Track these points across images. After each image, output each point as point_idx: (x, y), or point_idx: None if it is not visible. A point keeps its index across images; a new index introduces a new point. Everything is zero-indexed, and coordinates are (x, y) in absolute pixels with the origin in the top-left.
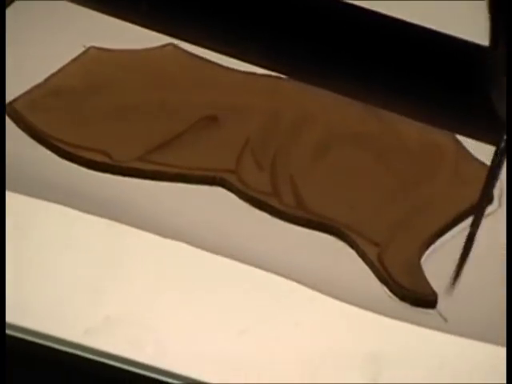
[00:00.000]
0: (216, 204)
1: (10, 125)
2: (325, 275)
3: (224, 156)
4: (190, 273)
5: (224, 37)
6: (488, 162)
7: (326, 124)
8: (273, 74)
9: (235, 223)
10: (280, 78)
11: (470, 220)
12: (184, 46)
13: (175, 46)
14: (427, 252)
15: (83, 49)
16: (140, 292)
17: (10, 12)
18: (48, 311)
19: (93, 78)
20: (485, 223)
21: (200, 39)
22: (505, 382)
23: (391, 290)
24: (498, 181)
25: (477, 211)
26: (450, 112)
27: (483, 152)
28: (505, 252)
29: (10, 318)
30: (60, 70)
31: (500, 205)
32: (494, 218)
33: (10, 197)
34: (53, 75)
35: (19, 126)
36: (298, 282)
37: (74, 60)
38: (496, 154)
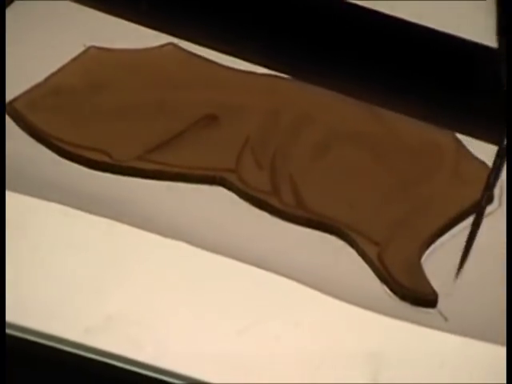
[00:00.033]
0: (216, 203)
1: (9, 124)
2: (325, 274)
3: (224, 155)
4: (190, 272)
5: (224, 35)
6: (488, 162)
7: (325, 123)
8: (273, 73)
9: (235, 222)
10: (280, 77)
11: (470, 219)
12: (184, 46)
13: (175, 46)
14: (427, 251)
15: (83, 48)
16: (140, 291)
17: (9, 12)
18: (48, 310)
19: (93, 77)
20: (485, 222)
21: (200, 38)
22: (505, 381)
23: (391, 290)
24: (498, 180)
25: (478, 211)
26: (450, 110)
27: (484, 151)
28: (505, 251)
29: (9, 317)
30: (60, 70)
31: (500, 204)
32: (494, 218)
33: (10, 196)
34: (53, 75)
35: (19, 126)
36: (298, 281)
37: (74, 59)
38: (497, 155)
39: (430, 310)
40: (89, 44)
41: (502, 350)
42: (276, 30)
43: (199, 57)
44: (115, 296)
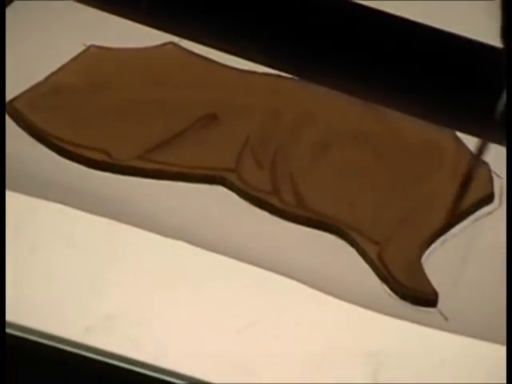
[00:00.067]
0: (216, 203)
1: (9, 123)
2: (325, 274)
3: (224, 155)
4: (190, 271)
5: (226, 34)
6: (489, 161)
7: (326, 122)
8: (274, 72)
9: (235, 222)
10: (280, 76)
11: (470, 219)
12: (184, 45)
13: (175, 45)
14: (428, 251)
15: (83, 47)
16: (140, 291)
17: (9, 11)
18: (48, 310)
19: (93, 76)
20: (485, 222)
21: (201, 37)
22: (505, 380)
23: (391, 289)
24: (499, 179)
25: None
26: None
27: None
28: (505, 251)
29: (9, 316)
30: (60, 69)
31: (500, 204)
32: (494, 217)
33: (10, 196)
34: (53, 74)
35: (19, 125)
36: (298, 280)
37: (74, 59)
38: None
39: (431, 310)
40: (89, 43)
41: (502, 350)
42: (279, 29)
43: (199, 56)
44: (115, 295)
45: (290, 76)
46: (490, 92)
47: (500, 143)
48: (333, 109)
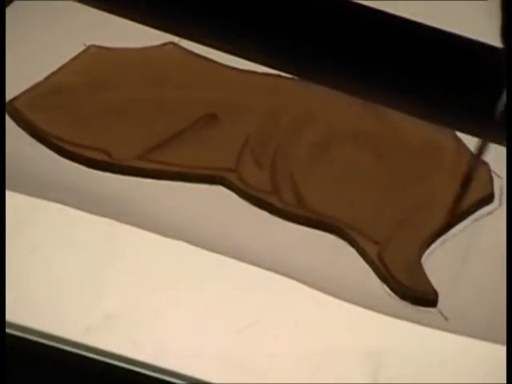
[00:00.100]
0: (216, 202)
1: (9, 123)
2: (325, 273)
3: (224, 154)
4: (190, 271)
5: (224, 33)
6: (489, 161)
7: (326, 122)
8: (273, 72)
9: (235, 222)
10: (280, 76)
11: (470, 219)
12: (184, 45)
13: (175, 45)
14: (428, 251)
15: (83, 47)
16: (140, 290)
17: (9, 11)
18: (48, 310)
19: (93, 76)
20: (485, 222)
21: (200, 36)
22: (505, 380)
23: (391, 289)
24: (499, 179)
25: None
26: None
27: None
28: (505, 251)
29: (10, 316)
30: (60, 69)
31: (500, 203)
32: (494, 217)
33: (10, 196)
34: (53, 74)
35: (19, 125)
36: (298, 280)
37: (74, 58)
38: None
39: (431, 310)
40: (89, 43)
41: (502, 350)
42: (279, 28)
43: (199, 56)
44: (115, 295)
45: (289, 76)
46: (490, 92)
47: (500, 143)
48: (333, 109)
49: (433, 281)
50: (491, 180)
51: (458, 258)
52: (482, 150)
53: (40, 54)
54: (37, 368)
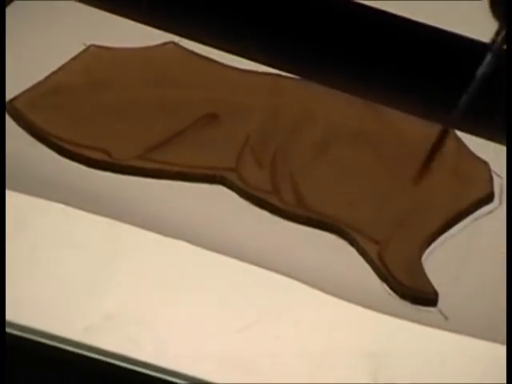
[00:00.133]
0: (216, 202)
1: (9, 123)
2: (325, 273)
3: (224, 154)
4: (190, 271)
5: (224, 33)
6: (489, 161)
7: (326, 122)
8: (274, 71)
9: (235, 221)
10: (280, 75)
11: (471, 218)
12: (185, 44)
13: (176, 44)
14: (428, 250)
15: (83, 47)
16: (140, 290)
17: (9, 11)
18: (48, 309)
19: (93, 76)
20: (485, 221)
21: (200, 36)
22: (505, 380)
23: (391, 288)
24: (499, 178)
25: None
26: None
27: (484, 149)
28: (505, 250)
29: (10, 316)
30: (60, 69)
31: (500, 203)
32: (494, 217)
33: (10, 195)
34: (53, 73)
35: (19, 124)
36: (298, 280)
37: (74, 58)
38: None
39: (431, 309)
40: (89, 43)
41: (502, 349)
42: (279, 28)
43: (200, 55)
44: (115, 294)
45: (290, 75)
46: (490, 92)
47: (500, 143)
48: (333, 108)
49: (433, 280)
50: (491, 179)
51: (458, 257)
52: (444, 133)
53: (40, 53)
54: (37, 368)
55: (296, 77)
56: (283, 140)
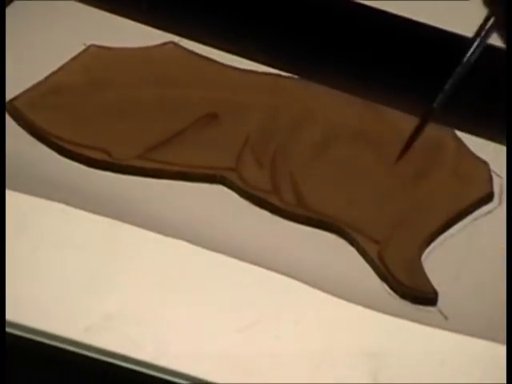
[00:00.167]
0: (216, 202)
1: (9, 122)
2: (325, 273)
3: (224, 154)
4: (190, 271)
5: (224, 33)
6: (489, 161)
7: (326, 121)
8: (273, 71)
9: (235, 221)
10: (280, 75)
11: (471, 218)
12: (185, 44)
13: (175, 44)
14: (427, 249)
15: (83, 47)
16: (141, 290)
17: (9, 11)
18: (49, 309)
19: (93, 76)
20: (485, 221)
21: (200, 36)
22: (505, 379)
23: (391, 288)
24: (498, 178)
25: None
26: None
27: (484, 149)
28: (505, 250)
29: (10, 315)
30: (60, 69)
31: (500, 203)
32: (494, 216)
33: (10, 195)
34: (53, 73)
35: (19, 124)
36: (298, 279)
37: (74, 58)
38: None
39: (430, 309)
40: (89, 43)
41: (502, 349)
42: (279, 28)
43: (200, 55)
44: (115, 294)
45: (290, 75)
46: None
47: (500, 143)
48: (333, 108)
49: (432, 280)
50: (491, 179)
51: (458, 257)
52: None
53: (40, 53)
54: (37, 368)
55: (296, 76)
56: (283, 140)
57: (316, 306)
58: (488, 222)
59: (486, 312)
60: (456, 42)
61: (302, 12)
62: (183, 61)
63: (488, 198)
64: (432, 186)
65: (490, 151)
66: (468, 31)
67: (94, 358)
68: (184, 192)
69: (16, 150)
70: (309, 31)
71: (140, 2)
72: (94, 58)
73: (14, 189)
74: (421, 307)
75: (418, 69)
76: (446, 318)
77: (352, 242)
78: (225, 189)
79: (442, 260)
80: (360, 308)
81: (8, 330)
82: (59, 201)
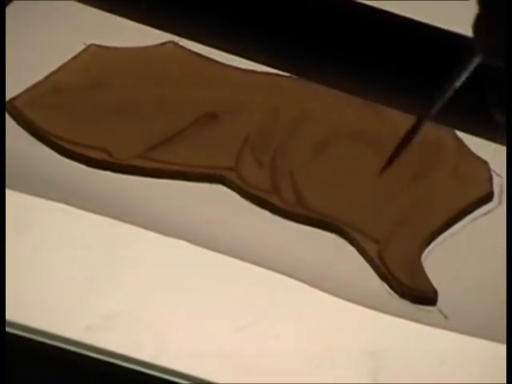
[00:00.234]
0: (216, 202)
1: (9, 122)
2: (325, 272)
3: (224, 153)
4: (190, 271)
5: (224, 33)
6: (489, 161)
7: (325, 121)
8: (272, 71)
9: (235, 221)
10: (280, 75)
11: (470, 218)
12: (184, 44)
13: (175, 44)
14: (427, 249)
15: (83, 47)
16: (141, 290)
17: (9, 11)
18: (49, 309)
19: (93, 75)
20: (485, 221)
21: (200, 36)
22: (505, 379)
23: (391, 287)
24: (498, 178)
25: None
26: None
27: (484, 149)
28: (505, 249)
29: (10, 315)
30: (60, 68)
31: (500, 202)
32: (493, 216)
33: (10, 194)
34: (53, 73)
35: (19, 124)
36: (299, 279)
37: (74, 58)
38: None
39: (430, 308)
40: (89, 42)
41: (502, 348)
42: (278, 28)
43: (199, 55)
44: (115, 294)
45: (289, 75)
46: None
47: (500, 142)
48: (332, 107)
49: (432, 279)
50: (491, 179)
51: (458, 256)
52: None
53: (40, 53)
54: (37, 367)
55: (295, 76)
56: (283, 139)
57: (316, 306)
58: (488, 221)
59: (485, 311)
60: (457, 42)
61: (302, 12)
62: (183, 60)
63: (488, 197)
64: (432, 185)
65: (490, 151)
66: (468, 31)
67: (95, 357)
68: (184, 192)
69: (16, 150)
70: (308, 31)
71: (139, 1)
72: (93, 58)
73: (15, 188)
74: (421, 307)
75: (419, 69)
76: (445, 317)
77: (352, 242)
78: (225, 188)
79: (441, 259)
80: (360, 308)
81: (8, 329)
82: (59, 200)
